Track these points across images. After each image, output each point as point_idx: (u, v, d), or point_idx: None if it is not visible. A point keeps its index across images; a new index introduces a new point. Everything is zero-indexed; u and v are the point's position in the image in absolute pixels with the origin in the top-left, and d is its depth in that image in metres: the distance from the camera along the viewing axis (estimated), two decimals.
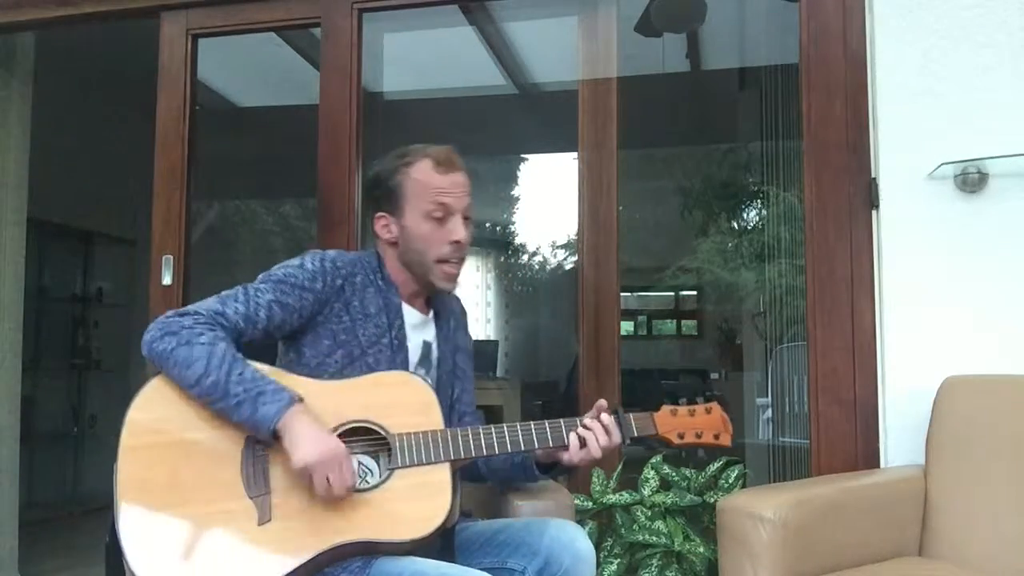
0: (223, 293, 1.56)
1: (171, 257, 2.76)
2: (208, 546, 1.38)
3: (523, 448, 1.59)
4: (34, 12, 2.92)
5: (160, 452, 1.43)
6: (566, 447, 1.59)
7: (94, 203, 5.07)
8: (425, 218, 1.65)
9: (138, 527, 1.38)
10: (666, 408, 1.66)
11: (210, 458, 1.44)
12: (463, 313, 1.87)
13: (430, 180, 1.66)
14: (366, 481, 1.50)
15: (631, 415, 1.65)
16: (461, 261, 1.69)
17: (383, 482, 1.48)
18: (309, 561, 1.40)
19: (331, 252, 1.66)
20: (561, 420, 1.62)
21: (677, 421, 1.66)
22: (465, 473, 1.75)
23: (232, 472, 1.43)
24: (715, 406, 1.69)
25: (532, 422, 1.59)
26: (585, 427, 1.59)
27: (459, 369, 1.79)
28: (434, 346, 1.75)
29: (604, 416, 1.61)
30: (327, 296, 1.60)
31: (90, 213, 5.15)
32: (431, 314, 1.77)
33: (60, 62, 3.74)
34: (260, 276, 1.60)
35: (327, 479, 1.39)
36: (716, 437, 1.66)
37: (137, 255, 5.12)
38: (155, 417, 1.46)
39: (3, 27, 2.98)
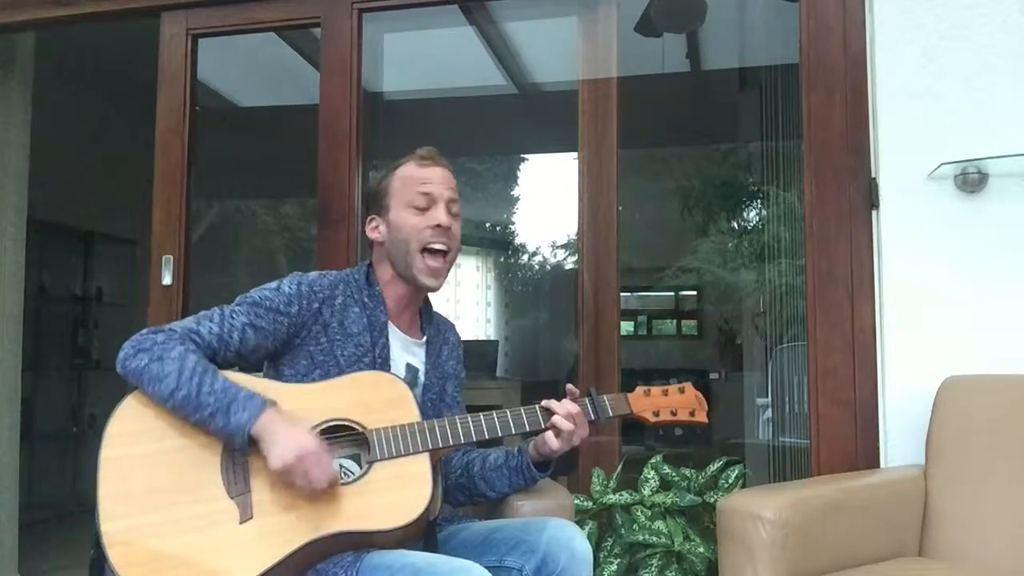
0: (200, 313, 1.58)
1: (171, 257, 2.76)
2: (192, 548, 1.40)
3: (500, 434, 1.61)
4: (34, 12, 2.92)
5: (139, 461, 1.45)
6: (543, 430, 1.63)
7: (94, 203, 5.07)
8: (408, 208, 1.69)
9: (122, 535, 1.39)
10: (639, 389, 1.72)
11: (189, 463, 1.46)
12: (458, 343, 1.88)
13: (412, 174, 1.72)
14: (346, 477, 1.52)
15: (605, 396, 1.69)
16: (446, 255, 1.70)
17: (363, 475, 1.50)
18: (293, 554, 1.41)
19: (311, 274, 1.68)
20: (535, 405, 1.65)
21: (650, 400, 1.71)
22: (471, 498, 1.77)
23: (212, 475, 1.45)
24: (688, 386, 1.73)
25: (507, 409, 1.63)
26: (556, 412, 1.63)
27: (448, 396, 1.80)
28: (421, 372, 1.75)
29: (567, 403, 1.64)
30: (303, 319, 1.62)
31: (90, 213, 5.14)
32: (423, 339, 1.78)
33: (60, 62, 3.74)
34: (237, 298, 1.61)
35: (308, 475, 1.41)
36: (692, 414, 1.71)
37: (137, 255, 5.12)
38: (133, 429, 1.48)
39: (3, 27, 2.98)
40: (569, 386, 1.69)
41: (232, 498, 1.44)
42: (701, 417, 1.71)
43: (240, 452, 1.47)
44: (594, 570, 1.59)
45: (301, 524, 1.43)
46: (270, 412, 1.45)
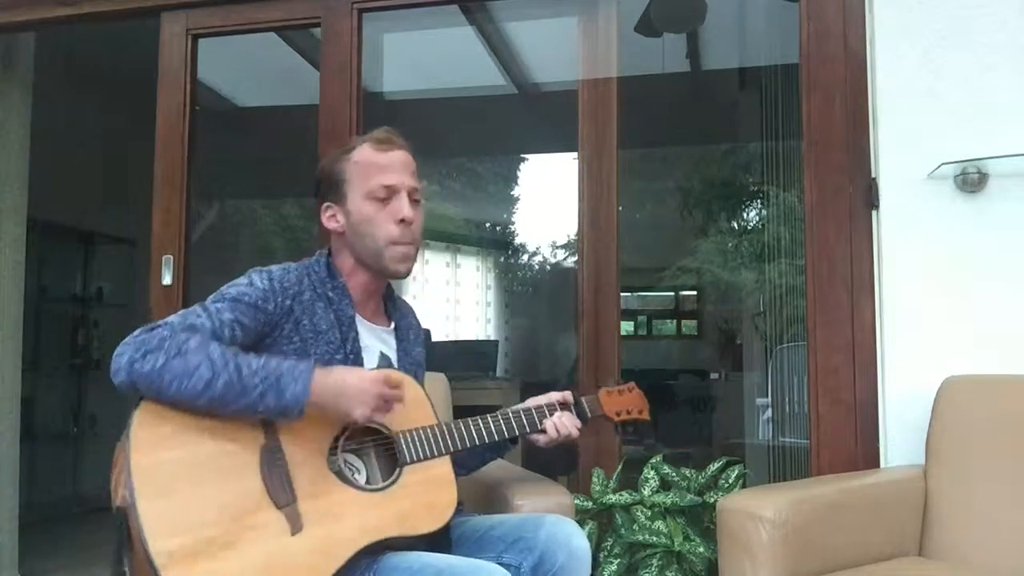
0: (181, 312, 1.48)
1: (171, 257, 2.76)
2: (251, 566, 1.33)
3: (516, 433, 1.71)
4: (34, 12, 2.93)
5: (176, 468, 1.35)
6: (542, 430, 1.73)
7: (94, 203, 5.07)
8: (367, 199, 1.61)
9: (176, 555, 1.28)
10: (603, 389, 1.85)
11: (230, 470, 1.38)
12: (419, 326, 1.85)
13: (369, 160, 1.63)
14: (362, 472, 1.52)
15: (583, 398, 1.81)
16: (413, 243, 1.65)
17: (396, 479, 1.50)
18: (348, 562, 1.39)
19: (276, 270, 1.58)
20: (531, 407, 1.74)
21: (613, 400, 1.85)
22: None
23: (254, 482, 1.38)
24: (633, 385, 1.89)
25: (510, 410, 1.71)
26: (549, 415, 1.74)
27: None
28: (394, 360, 1.70)
29: (558, 420, 1.73)
30: (277, 318, 1.54)
31: (90, 213, 5.14)
32: (392, 326, 1.73)
33: (60, 62, 3.74)
34: (211, 296, 1.53)
35: (390, 405, 1.48)
36: (640, 413, 1.87)
37: (137, 255, 5.12)
38: (162, 433, 1.37)
39: (3, 27, 2.98)
40: (567, 395, 1.78)
41: (280, 509, 1.37)
42: (646, 415, 1.88)
43: (279, 457, 1.41)
44: (594, 570, 1.59)
45: (351, 531, 1.41)
46: (317, 374, 1.41)
